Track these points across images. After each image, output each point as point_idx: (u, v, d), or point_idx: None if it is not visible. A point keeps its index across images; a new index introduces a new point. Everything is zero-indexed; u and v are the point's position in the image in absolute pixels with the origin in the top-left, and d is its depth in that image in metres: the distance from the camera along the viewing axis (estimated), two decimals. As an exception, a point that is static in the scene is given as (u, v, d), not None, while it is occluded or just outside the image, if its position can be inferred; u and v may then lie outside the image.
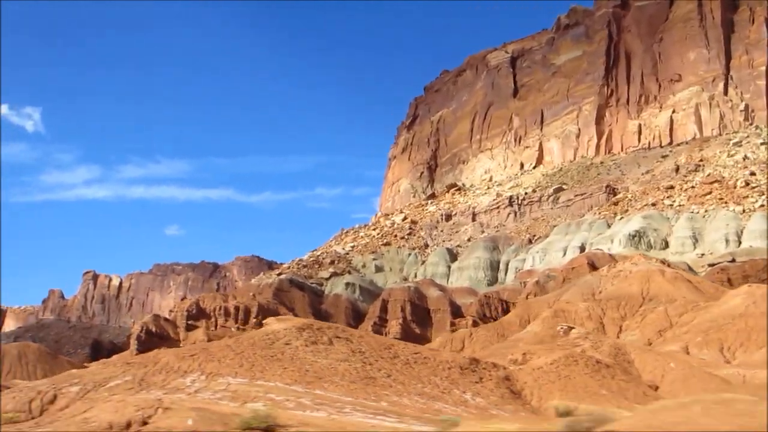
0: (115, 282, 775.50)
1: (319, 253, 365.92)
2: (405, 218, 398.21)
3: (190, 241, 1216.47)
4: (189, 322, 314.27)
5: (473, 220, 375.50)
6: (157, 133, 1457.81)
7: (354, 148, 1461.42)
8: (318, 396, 31.02)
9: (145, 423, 23.99)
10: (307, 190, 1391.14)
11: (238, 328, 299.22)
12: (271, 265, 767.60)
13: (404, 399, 33.48)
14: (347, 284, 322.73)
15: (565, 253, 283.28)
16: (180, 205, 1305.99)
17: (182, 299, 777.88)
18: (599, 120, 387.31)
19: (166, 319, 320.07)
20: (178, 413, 25.79)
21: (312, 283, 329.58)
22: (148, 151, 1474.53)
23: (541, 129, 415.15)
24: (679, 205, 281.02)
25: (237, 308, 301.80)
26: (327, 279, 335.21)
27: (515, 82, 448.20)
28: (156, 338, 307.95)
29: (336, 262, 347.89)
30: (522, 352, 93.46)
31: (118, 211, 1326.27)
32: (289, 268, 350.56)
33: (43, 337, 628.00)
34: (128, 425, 23.35)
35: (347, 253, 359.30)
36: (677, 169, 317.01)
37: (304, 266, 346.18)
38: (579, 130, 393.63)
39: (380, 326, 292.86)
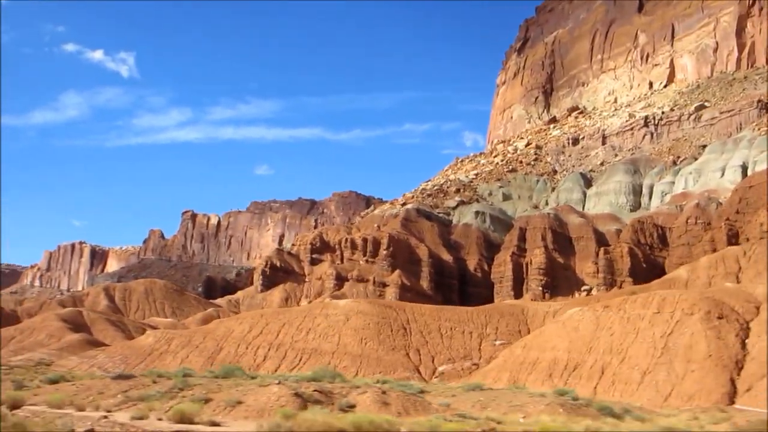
0: (213, 221, 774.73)
1: (443, 182, 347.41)
2: (528, 144, 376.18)
3: (280, 180, 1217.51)
4: (313, 256, 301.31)
5: (603, 143, 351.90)
6: (246, 74, 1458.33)
7: (444, 83, 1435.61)
8: None
9: None
10: (396, 126, 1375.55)
11: (367, 261, 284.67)
12: (368, 200, 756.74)
13: None
14: (477, 213, 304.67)
15: (723, 173, 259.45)
16: (269, 144, 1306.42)
17: (281, 236, 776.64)
18: (740, 32, 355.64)
19: (289, 253, 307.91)
20: None
21: (438, 213, 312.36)
22: (237, 92, 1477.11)
23: (672, 44, 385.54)
24: None
25: (365, 240, 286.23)
26: (454, 208, 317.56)
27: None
28: (281, 273, 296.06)
29: (461, 190, 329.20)
30: None
31: (209, 153, 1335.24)
32: (412, 197, 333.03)
33: (146, 276, 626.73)
34: None
35: (471, 181, 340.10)
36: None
37: (428, 195, 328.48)
38: (716, 43, 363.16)
39: (519, 256, 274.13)
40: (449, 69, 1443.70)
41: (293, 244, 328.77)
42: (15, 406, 35.66)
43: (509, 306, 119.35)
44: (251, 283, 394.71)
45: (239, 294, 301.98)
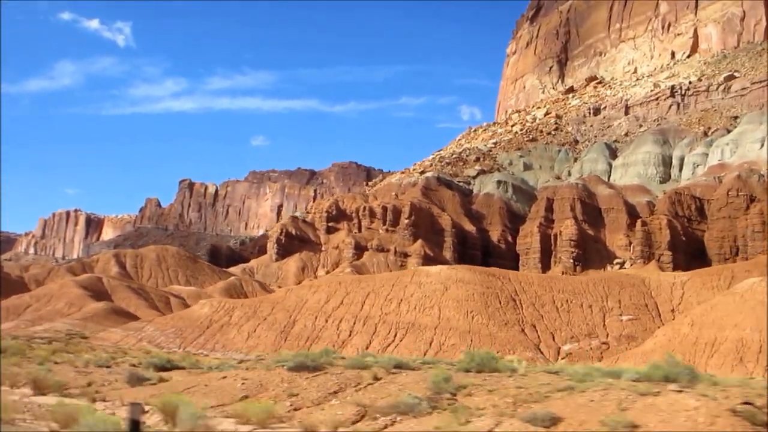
0: (211, 190, 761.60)
1: (460, 150, 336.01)
2: (547, 113, 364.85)
3: (276, 151, 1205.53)
4: (329, 224, 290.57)
5: (626, 113, 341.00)
6: (243, 45, 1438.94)
7: (440, 57, 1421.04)
8: None
9: None
10: (392, 99, 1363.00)
11: (387, 230, 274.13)
12: (369, 171, 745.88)
13: None
14: (499, 182, 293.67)
15: (763, 145, 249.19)
16: (265, 115, 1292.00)
17: (279, 206, 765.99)
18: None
19: (304, 221, 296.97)
20: None
21: (459, 182, 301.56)
22: (234, 63, 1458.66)
23: (696, 13, 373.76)
24: None
25: (385, 209, 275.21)
26: (474, 177, 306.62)
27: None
28: (296, 241, 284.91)
29: (481, 159, 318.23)
30: None
31: (205, 123, 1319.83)
32: (431, 165, 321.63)
33: (142, 245, 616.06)
34: None
35: (490, 150, 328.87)
36: None
37: (447, 164, 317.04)
38: (743, 12, 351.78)
39: (546, 227, 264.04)
40: (446, 43, 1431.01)
41: (308, 212, 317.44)
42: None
43: (627, 276, 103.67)
44: (259, 252, 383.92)
45: (253, 262, 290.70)
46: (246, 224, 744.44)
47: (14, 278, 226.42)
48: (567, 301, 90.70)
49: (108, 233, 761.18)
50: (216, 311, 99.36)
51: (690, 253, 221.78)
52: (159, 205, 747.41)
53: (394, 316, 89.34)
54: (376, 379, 25.65)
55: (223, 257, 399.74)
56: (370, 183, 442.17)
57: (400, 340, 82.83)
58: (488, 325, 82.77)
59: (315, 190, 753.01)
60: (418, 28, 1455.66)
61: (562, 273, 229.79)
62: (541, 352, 76.49)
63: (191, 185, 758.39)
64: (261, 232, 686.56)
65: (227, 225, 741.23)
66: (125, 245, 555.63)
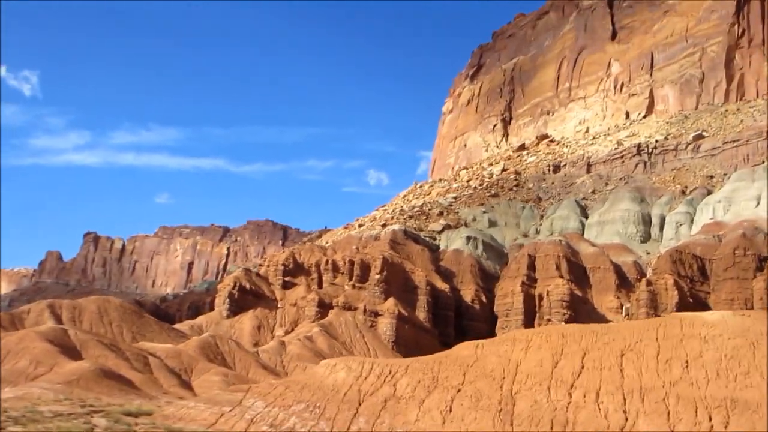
0: (118, 244, 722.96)
1: (421, 203, 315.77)
2: (505, 169, 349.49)
3: (181, 209, 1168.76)
4: (286, 279, 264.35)
5: (588, 171, 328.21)
6: (150, 100, 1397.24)
7: (348, 120, 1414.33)
8: None
9: None
10: (299, 161, 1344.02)
11: (354, 286, 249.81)
12: (285, 230, 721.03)
13: None
14: (468, 238, 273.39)
15: (758, 203, 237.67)
16: (170, 173, 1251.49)
17: (190, 263, 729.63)
18: (728, 63, 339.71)
19: (257, 275, 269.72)
20: None
21: (425, 237, 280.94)
22: (140, 118, 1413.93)
23: (651, 74, 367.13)
24: None
25: (351, 262, 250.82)
26: (439, 232, 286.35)
27: (613, 24, 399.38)
28: (250, 296, 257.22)
29: (444, 213, 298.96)
30: None
31: (109, 178, 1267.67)
32: (392, 218, 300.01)
33: (43, 298, 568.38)
34: None
35: (450, 205, 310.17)
36: None
37: (410, 217, 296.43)
38: (703, 74, 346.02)
39: (529, 286, 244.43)
40: (355, 106, 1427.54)
41: (260, 265, 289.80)
42: None
43: None
44: (189, 310, 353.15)
45: (201, 319, 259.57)
46: (153, 282, 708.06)
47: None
48: None
49: (2, 287, 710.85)
50: (361, 377, 64.23)
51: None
52: (61, 258, 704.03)
53: (687, 386, 55.08)
54: None
55: (149, 314, 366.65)
56: (306, 239, 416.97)
57: (724, 426, 51.25)
58: None
59: (228, 248, 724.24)
60: (328, 90, 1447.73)
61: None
62: None
63: (96, 239, 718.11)
64: (169, 290, 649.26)
65: (133, 282, 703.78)
66: (21, 300, 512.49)
